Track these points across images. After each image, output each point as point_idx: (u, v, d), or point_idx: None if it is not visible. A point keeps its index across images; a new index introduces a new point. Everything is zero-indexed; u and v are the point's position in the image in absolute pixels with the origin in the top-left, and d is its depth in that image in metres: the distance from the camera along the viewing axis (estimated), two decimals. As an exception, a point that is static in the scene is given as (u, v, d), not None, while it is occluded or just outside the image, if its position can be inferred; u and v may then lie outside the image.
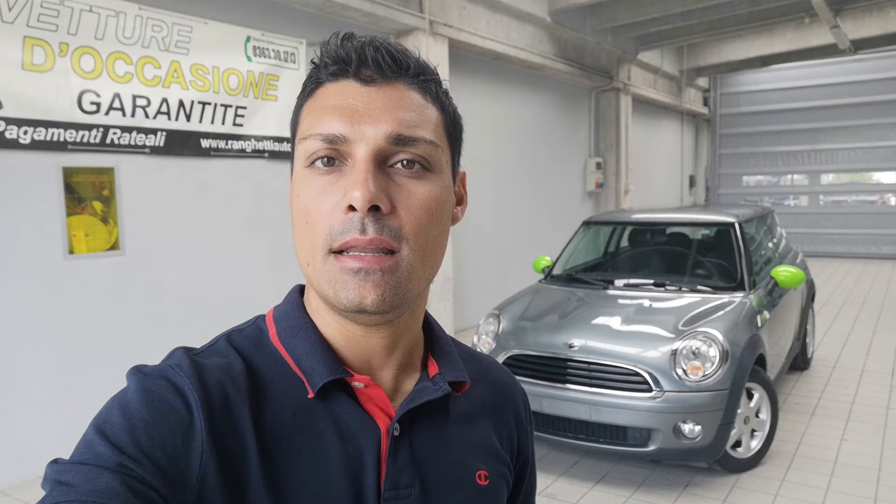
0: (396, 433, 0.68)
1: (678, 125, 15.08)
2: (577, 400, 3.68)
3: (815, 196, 15.19)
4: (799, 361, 5.73)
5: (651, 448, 3.57)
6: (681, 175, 15.57)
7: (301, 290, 0.75)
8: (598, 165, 10.68)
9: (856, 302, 9.22)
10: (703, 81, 15.17)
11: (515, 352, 4.01)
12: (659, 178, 14.05)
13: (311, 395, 0.66)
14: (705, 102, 15.83)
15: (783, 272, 4.49)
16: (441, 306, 6.87)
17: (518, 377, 3.99)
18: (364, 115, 0.63)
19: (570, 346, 3.83)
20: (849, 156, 14.60)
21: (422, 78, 0.68)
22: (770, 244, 5.50)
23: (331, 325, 0.70)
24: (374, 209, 0.61)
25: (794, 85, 14.92)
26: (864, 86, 14.18)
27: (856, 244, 14.53)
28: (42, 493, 0.56)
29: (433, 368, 0.75)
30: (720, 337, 3.67)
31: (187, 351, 0.67)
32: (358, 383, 0.68)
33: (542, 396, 3.78)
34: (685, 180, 15.78)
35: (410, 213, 0.64)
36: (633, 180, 11.30)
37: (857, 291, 10.13)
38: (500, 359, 4.06)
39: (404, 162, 0.64)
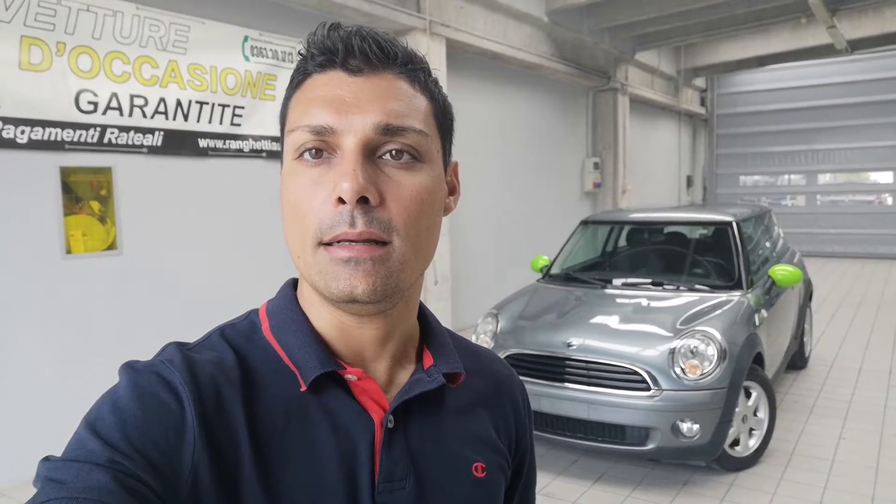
0: (391, 425, 0.68)
1: (675, 125, 15.10)
2: (575, 399, 3.68)
3: (812, 196, 15.22)
4: (797, 360, 5.73)
5: (649, 447, 3.57)
6: (678, 175, 15.60)
7: (294, 283, 0.75)
8: (596, 165, 10.69)
9: (853, 301, 9.24)
10: (700, 82, 15.19)
11: (514, 351, 4.01)
12: (656, 178, 14.07)
13: (303, 389, 0.65)
14: (702, 103, 15.86)
15: (780, 271, 4.50)
16: (439, 306, 6.87)
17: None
18: (352, 105, 0.63)
19: (569, 345, 3.83)
20: (845, 156, 14.62)
21: (410, 67, 0.67)
22: (767, 243, 5.51)
23: (324, 318, 0.69)
24: (363, 201, 0.61)
25: (790, 85, 14.95)
26: (860, 86, 14.21)
27: (853, 244, 14.56)
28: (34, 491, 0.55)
29: (428, 360, 0.75)
30: (718, 336, 3.67)
31: (180, 346, 0.67)
32: (351, 376, 0.67)
33: (541, 395, 3.78)
34: (682, 180, 15.80)
35: (400, 205, 0.63)
36: (630, 180, 11.31)
37: (855, 291, 10.15)
38: (499, 358, 4.06)
39: (393, 152, 0.64)
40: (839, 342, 6.91)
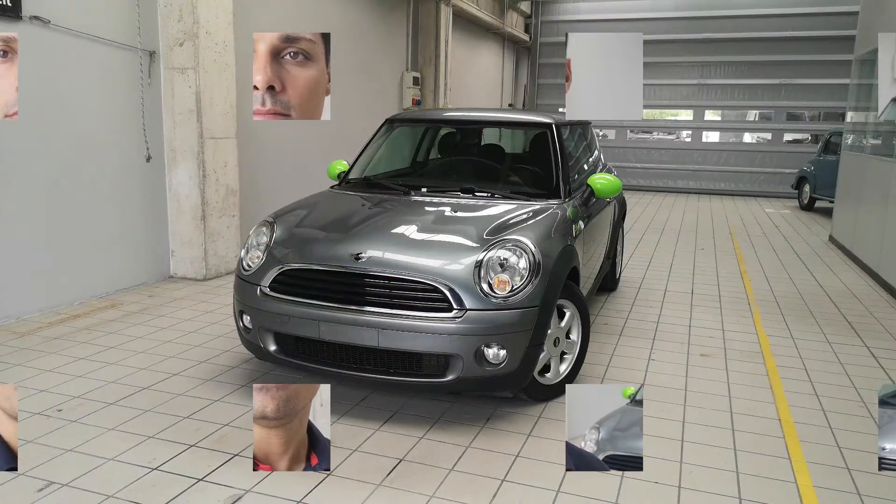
0: None
1: (499, 49, 14.71)
2: (363, 323, 2.95)
3: (623, 131, 15.76)
4: (608, 282, 5.51)
5: (449, 378, 2.96)
6: (500, 102, 15.34)
7: None
8: (416, 80, 9.92)
9: (656, 229, 9.52)
10: (525, 6, 14.87)
11: (290, 266, 3.18)
12: (478, 102, 13.64)
13: None
14: (526, 29, 15.60)
15: (600, 180, 4.05)
16: (224, 223, 5.81)
17: (291, 298, 3.18)
18: None
19: (357, 258, 3.08)
20: (655, 92, 15.19)
21: None
22: (587, 155, 5.10)
23: None
24: (270, 89, 1.22)
25: (611, 17, 15.11)
26: (673, 23, 14.68)
27: (655, 178, 15.38)
28: None
29: None
30: (531, 246, 3.11)
31: None
32: None
33: (321, 320, 3.01)
34: (504, 107, 15.60)
35: (296, 91, 1.27)
36: (451, 100, 10.71)
37: (657, 220, 10.53)
38: (271, 275, 3.21)
39: (291, 53, 1.22)
40: (645, 266, 6.90)
